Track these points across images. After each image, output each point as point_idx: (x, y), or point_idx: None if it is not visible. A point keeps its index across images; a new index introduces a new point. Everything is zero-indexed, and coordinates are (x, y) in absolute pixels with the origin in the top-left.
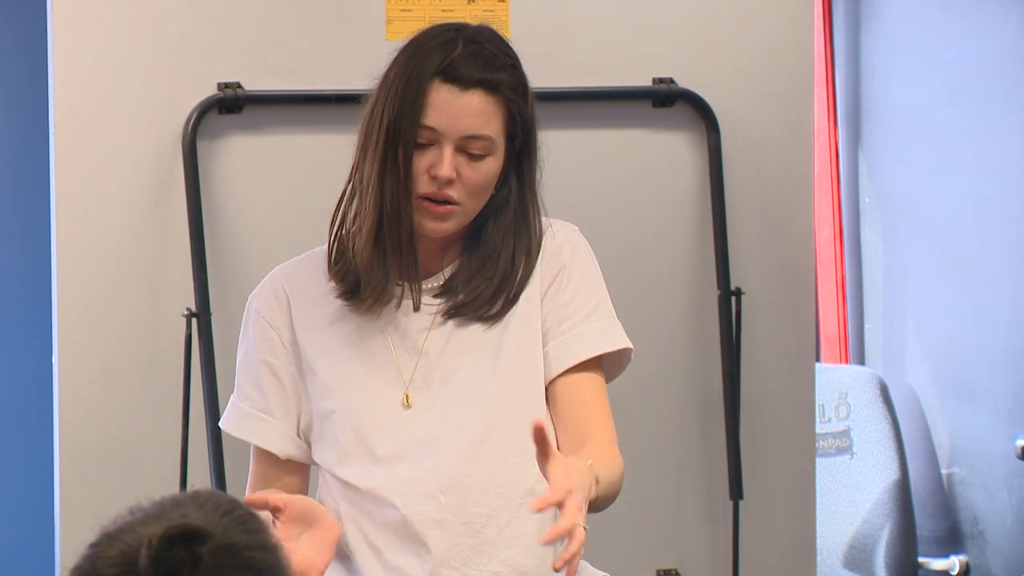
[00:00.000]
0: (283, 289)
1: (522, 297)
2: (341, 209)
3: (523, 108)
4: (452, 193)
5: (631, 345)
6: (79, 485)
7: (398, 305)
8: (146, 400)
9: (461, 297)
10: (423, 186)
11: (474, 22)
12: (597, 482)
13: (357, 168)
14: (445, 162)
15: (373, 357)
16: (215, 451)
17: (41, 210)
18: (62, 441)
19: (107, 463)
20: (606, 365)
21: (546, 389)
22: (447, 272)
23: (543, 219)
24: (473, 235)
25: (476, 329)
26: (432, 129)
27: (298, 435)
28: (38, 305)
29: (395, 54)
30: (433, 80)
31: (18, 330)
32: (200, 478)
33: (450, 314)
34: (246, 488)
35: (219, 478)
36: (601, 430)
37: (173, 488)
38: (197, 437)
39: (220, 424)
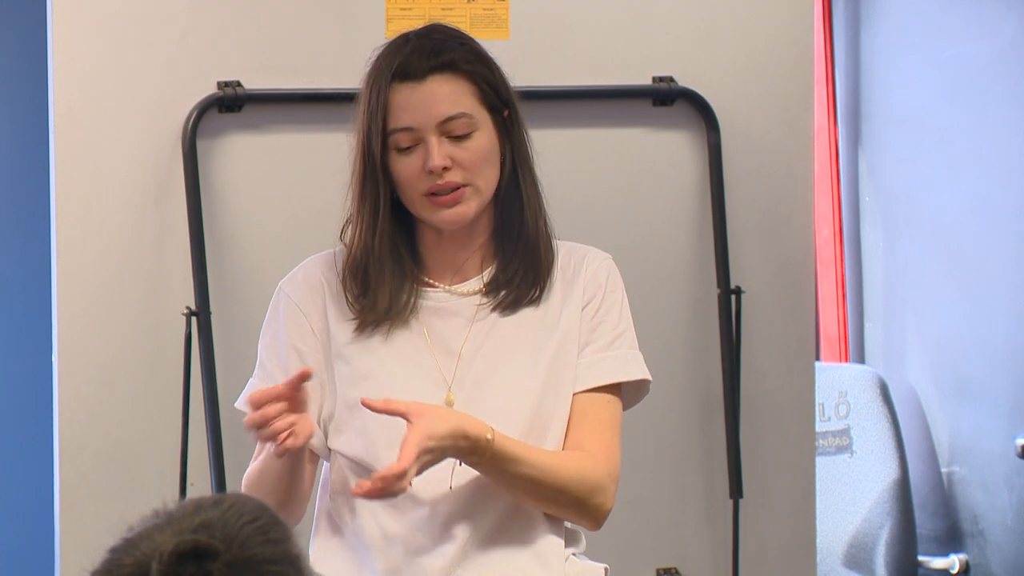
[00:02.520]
0: (318, 279)
1: (564, 308)
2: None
3: (488, 76)
4: (454, 178)
5: (649, 377)
6: (79, 485)
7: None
8: (146, 400)
9: (505, 289)
10: (423, 184)
11: (473, 22)
12: (491, 438)
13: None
14: (433, 152)
15: (411, 357)
16: (215, 451)
17: (41, 210)
18: (62, 441)
19: (107, 463)
20: (624, 392)
21: None
22: (486, 276)
23: (581, 246)
24: (503, 235)
25: (515, 329)
26: (408, 128)
27: (318, 423)
28: (38, 305)
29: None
30: (391, 85)
31: (18, 330)
32: (200, 478)
33: (497, 309)
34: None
35: (219, 478)
36: (593, 446)
37: (173, 488)
38: (197, 437)
39: (239, 404)
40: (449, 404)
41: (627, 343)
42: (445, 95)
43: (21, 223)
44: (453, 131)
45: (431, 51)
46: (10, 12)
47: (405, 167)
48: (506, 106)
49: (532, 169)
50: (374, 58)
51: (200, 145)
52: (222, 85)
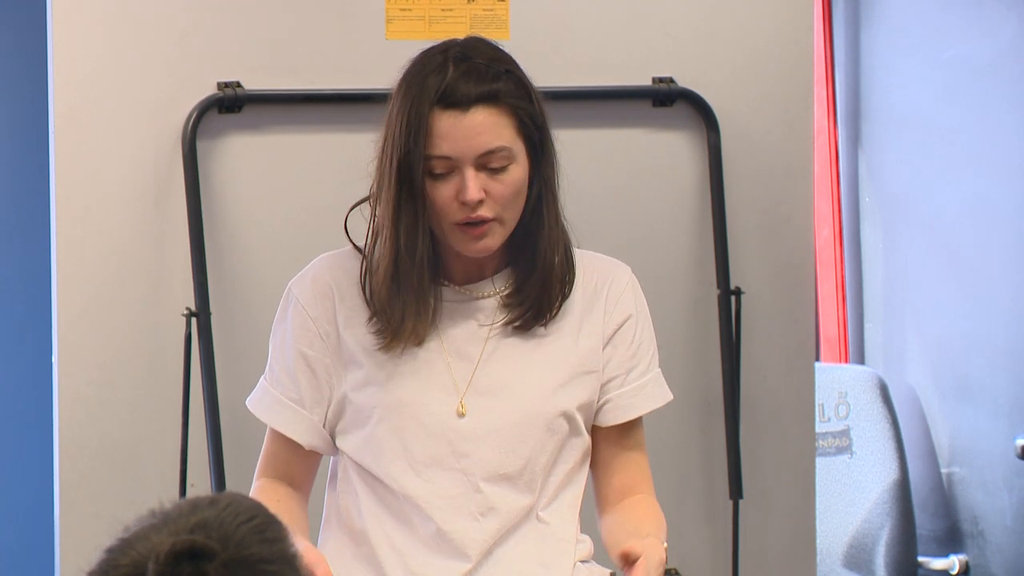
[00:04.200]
0: (327, 281)
1: (584, 323)
2: (366, 245)
3: (530, 108)
4: (485, 212)
5: (672, 396)
6: (79, 485)
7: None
8: (146, 400)
9: (518, 309)
10: (455, 214)
11: (473, 22)
12: (666, 546)
13: (375, 206)
14: (470, 185)
15: (423, 361)
16: (215, 451)
17: (41, 210)
18: (62, 441)
19: (107, 463)
20: None
21: (596, 429)
22: (497, 282)
23: (602, 257)
24: (522, 251)
25: (532, 339)
26: (447, 157)
27: (324, 426)
28: (38, 305)
29: (395, 86)
30: (433, 110)
31: (18, 330)
32: (200, 478)
33: (511, 326)
34: (257, 464)
35: (219, 478)
36: (648, 484)
37: (173, 488)
38: (197, 437)
39: (249, 404)
40: (461, 415)
41: (656, 362)
42: (487, 128)
43: (21, 223)
44: (490, 163)
45: (478, 79)
46: (10, 12)
47: (438, 193)
48: (540, 131)
49: (556, 195)
50: (411, 70)
51: (200, 145)
52: (222, 86)
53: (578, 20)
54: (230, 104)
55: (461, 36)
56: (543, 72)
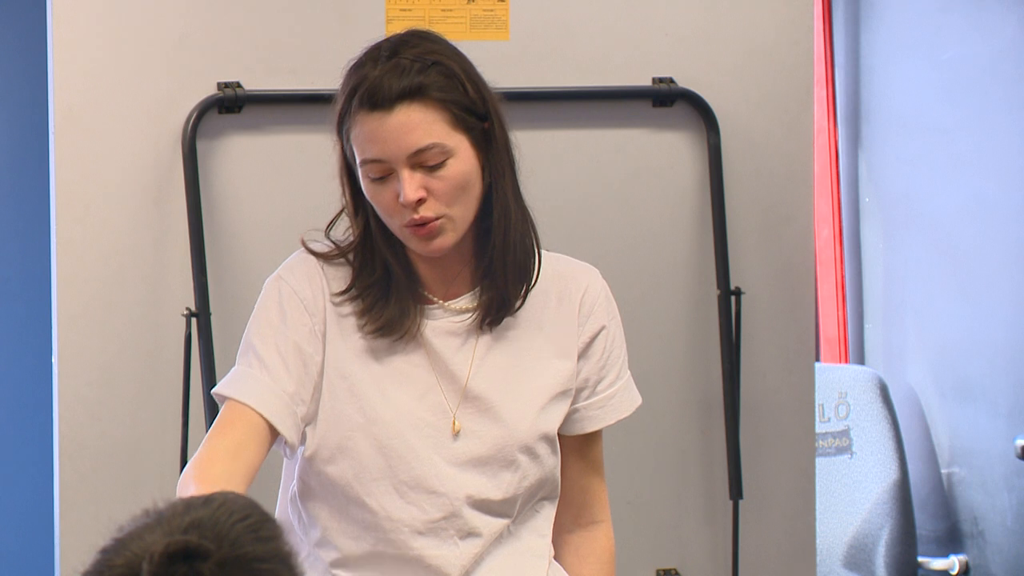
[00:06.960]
0: (320, 277)
1: (556, 331)
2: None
3: (463, 100)
4: (427, 212)
5: (640, 400)
6: (79, 485)
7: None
8: (146, 400)
9: (479, 312)
10: (400, 216)
11: (473, 23)
12: None
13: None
14: (405, 187)
15: (409, 377)
16: None
17: (41, 210)
18: (62, 441)
19: (107, 463)
20: None
21: (562, 435)
22: (479, 292)
23: (566, 258)
24: (485, 249)
25: (514, 353)
26: (378, 160)
27: (301, 419)
28: (38, 305)
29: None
30: (358, 113)
31: (18, 330)
32: None
33: (486, 330)
34: (204, 437)
35: None
36: (604, 498)
37: (173, 488)
38: (197, 437)
39: (223, 390)
40: (456, 433)
41: (626, 365)
42: (414, 126)
43: (21, 223)
44: (425, 162)
45: (400, 75)
46: (10, 12)
47: (380, 197)
48: (484, 120)
49: (509, 185)
50: (350, 67)
51: (200, 146)
52: (222, 86)
53: (578, 20)
54: (230, 104)
55: (461, 37)
56: (543, 73)
